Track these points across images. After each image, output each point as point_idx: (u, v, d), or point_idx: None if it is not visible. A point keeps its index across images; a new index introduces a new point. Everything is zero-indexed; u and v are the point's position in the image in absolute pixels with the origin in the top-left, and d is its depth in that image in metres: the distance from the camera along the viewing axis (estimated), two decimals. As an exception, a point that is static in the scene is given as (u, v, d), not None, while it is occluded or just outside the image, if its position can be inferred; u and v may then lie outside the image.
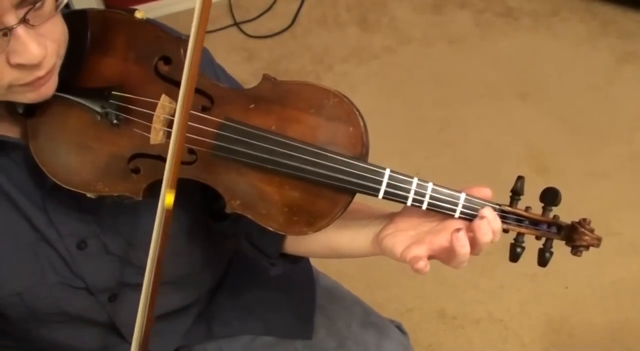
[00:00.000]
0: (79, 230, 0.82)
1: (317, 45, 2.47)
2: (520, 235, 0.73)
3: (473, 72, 2.32)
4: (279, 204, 0.71)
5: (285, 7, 2.60)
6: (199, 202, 0.89)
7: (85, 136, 0.73)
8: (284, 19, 2.56)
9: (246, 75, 2.31)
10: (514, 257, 0.73)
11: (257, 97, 0.72)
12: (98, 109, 0.71)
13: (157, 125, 0.72)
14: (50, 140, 0.73)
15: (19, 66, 0.63)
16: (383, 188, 0.69)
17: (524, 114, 2.19)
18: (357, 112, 0.70)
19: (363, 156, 0.70)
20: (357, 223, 0.80)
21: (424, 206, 0.70)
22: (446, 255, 0.70)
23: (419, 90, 2.30)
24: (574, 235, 0.72)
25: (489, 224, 0.69)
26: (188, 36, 0.77)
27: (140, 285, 0.73)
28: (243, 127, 0.70)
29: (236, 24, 2.56)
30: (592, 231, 0.72)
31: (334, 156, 0.69)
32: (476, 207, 0.71)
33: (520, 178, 0.73)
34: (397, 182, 0.69)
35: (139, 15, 0.74)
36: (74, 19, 0.71)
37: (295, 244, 0.88)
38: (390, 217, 0.77)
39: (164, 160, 0.71)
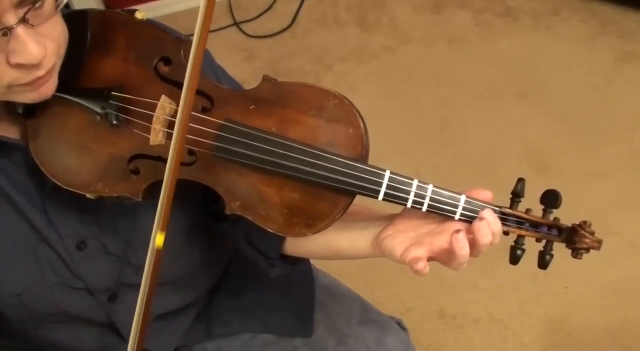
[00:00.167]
0: (79, 231, 0.82)
1: (317, 45, 2.47)
2: (520, 237, 0.73)
3: (473, 72, 2.32)
4: (279, 206, 0.71)
5: (285, 7, 2.60)
6: (199, 202, 0.89)
7: (85, 137, 0.73)
8: (284, 19, 2.56)
9: (246, 75, 2.31)
10: (515, 259, 0.73)
11: (257, 99, 0.72)
12: (98, 110, 0.71)
13: (157, 126, 0.72)
14: (50, 141, 0.73)
15: (19, 66, 0.63)
16: (383, 190, 0.69)
17: (524, 114, 2.19)
18: (357, 114, 0.70)
19: (363, 158, 0.70)
20: (357, 225, 0.80)
21: (424, 208, 0.70)
22: (446, 257, 0.70)
23: (419, 90, 2.30)
24: (575, 238, 0.72)
25: (489, 226, 0.69)
26: (188, 37, 0.77)
27: (139, 286, 0.73)
28: (243, 129, 0.70)
29: (236, 24, 2.56)
30: (592, 234, 0.72)
31: (334, 158, 0.69)
32: (477, 209, 0.71)
33: (520, 181, 0.73)
34: (397, 184, 0.69)
35: (139, 16, 0.74)
36: (74, 19, 0.71)
37: (295, 245, 0.88)
38: (391, 219, 0.77)
39: (164, 161, 0.71)
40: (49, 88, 0.68)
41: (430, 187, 0.70)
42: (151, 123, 0.72)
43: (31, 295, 0.83)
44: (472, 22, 2.48)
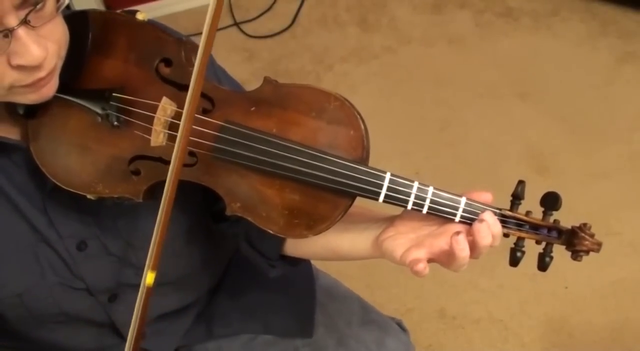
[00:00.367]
0: (79, 231, 0.82)
1: (317, 45, 2.47)
2: (520, 239, 0.73)
3: (473, 72, 2.32)
4: (279, 207, 0.71)
5: (285, 7, 2.60)
6: (200, 203, 0.89)
7: (85, 137, 0.73)
8: (284, 19, 2.56)
9: (246, 75, 2.31)
10: (514, 261, 0.73)
11: (258, 100, 0.72)
12: (99, 111, 0.71)
13: (158, 127, 0.72)
14: (50, 141, 0.73)
15: (20, 67, 0.63)
16: (383, 192, 0.69)
17: (524, 114, 2.19)
18: (358, 116, 0.70)
19: (364, 160, 0.70)
20: (357, 226, 0.80)
21: (425, 210, 0.70)
22: (446, 258, 0.70)
23: (419, 90, 2.30)
24: (574, 240, 0.72)
25: (489, 228, 0.69)
26: (189, 37, 0.77)
27: (140, 285, 0.73)
28: (243, 130, 0.70)
29: (236, 24, 2.56)
30: (592, 236, 0.72)
31: (335, 159, 0.68)
32: (477, 211, 0.71)
33: (521, 183, 0.73)
34: (397, 185, 0.69)
35: (140, 16, 0.74)
36: (75, 20, 0.71)
37: (295, 246, 0.88)
38: (391, 220, 0.77)
39: (164, 162, 0.72)
40: (50, 89, 0.68)
41: (431, 189, 0.70)
42: (152, 125, 0.72)
43: (31, 295, 0.83)
44: (472, 22, 2.48)
